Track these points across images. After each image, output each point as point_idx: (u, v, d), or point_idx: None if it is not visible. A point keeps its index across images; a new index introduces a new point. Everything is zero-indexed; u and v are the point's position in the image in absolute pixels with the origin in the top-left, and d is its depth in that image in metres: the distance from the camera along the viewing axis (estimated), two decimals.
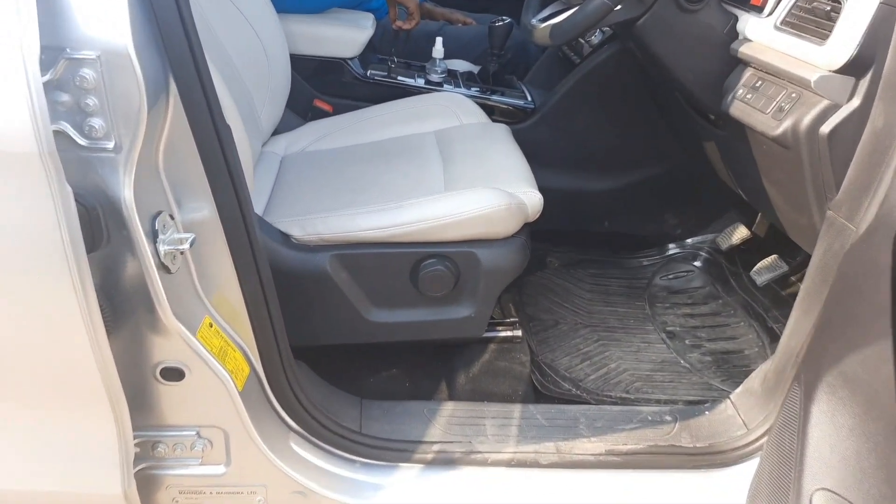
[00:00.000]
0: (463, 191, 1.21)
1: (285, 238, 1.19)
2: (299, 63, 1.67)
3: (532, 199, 1.27)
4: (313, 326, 1.25)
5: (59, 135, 0.76)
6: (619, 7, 1.11)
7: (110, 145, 0.78)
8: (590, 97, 1.72)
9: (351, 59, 1.74)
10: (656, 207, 1.87)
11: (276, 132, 1.61)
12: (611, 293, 1.82)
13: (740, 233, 1.74)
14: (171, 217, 0.89)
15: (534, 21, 1.31)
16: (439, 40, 1.81)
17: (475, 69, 1.94)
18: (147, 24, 0.76)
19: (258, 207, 1.31)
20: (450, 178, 1.32)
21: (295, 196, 1.33)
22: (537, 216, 1.30)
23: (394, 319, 1.25)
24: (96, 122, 0.76)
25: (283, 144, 1.60)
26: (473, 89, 1.82)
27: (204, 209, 0.92)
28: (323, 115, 1.71)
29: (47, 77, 0.73)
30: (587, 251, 1.92)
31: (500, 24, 1.79)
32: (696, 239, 1.89)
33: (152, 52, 0.78)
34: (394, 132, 1.60)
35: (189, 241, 0.88)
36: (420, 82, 1.80)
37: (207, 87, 0.85)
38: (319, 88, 1.73)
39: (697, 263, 1.89)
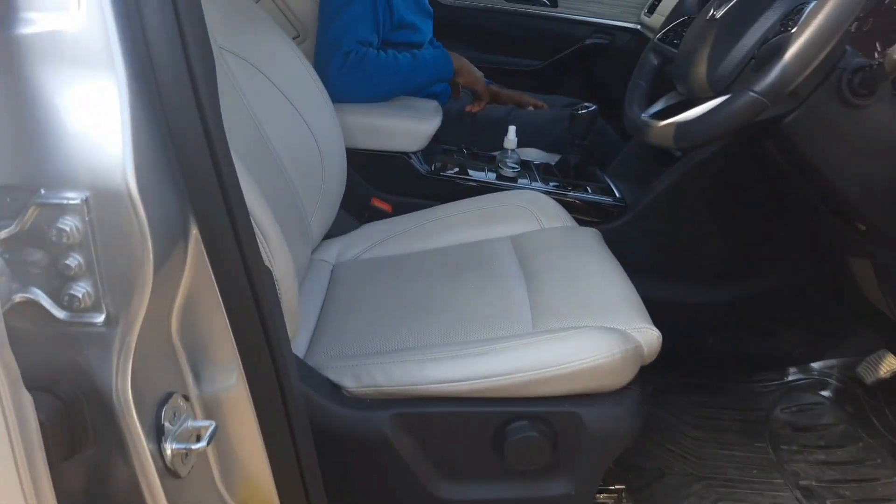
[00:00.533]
0: (564, 334, 0.94)
1: (335, 390, 0.93)
2: (355, 158, 1.47)
3: (649, 339, 0.99)
4: (362, 499, 0.98)
5: (27, 306, 0.53)
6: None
7: (99, 319, 0.54)
8: (694, 195, 1.46)
9: (414, 152, 1.53)
10: (773, 323, 1.56)
11: (328, 235, 1.39)
12: (723, 429, 1.50)
13: (889, 363, 1.41)
14: (186, 398, 0.64)
15: (645, 117, 1.07)
16: (512, 129, 1.59)
17: (552, 159, 1.71)
18: (155, 146, 0.54)
19: (302, 340, 1.07)
20: (538, 306, 1.06)
21: (347, 325, 1.08)
22: (654, 358, 1.01)
23: (470, 496, 0.97)
24: (80, 289, 0.53)
25: (336, 250, 1.37)
26: (552, 184, 1.58)
27: (230, 379, 0.68)
28: (381, 215, 1.49)
29: (11, 229, 0.51)
30: (689, 374, 1.61)
31: (585, 111, 1.57)
32: (824, 363, 1.56)
33: (164, 185, 0.55)
34: (463, 237, 1.35)
35: (209, 433, 0.64)
36: (491, 177, 1.57)
37: (241, 224, 0.62)
38: (378, 185, 1.52)
39: (827, 393, 1.55)
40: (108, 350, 0.56)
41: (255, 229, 0.78)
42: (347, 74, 1.50)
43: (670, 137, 0.96)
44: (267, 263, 0.80)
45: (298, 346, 1.05)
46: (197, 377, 0.66)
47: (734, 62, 0.92)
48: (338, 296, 1.20)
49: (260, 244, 0.79)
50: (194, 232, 0.59)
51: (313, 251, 1.34)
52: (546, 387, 0.91)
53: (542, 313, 1.03)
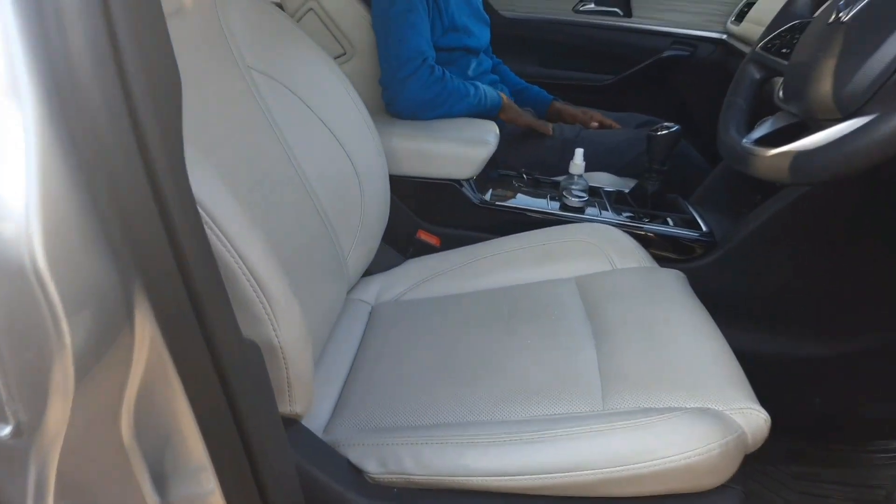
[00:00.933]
0: (647, 420, 0.74)
1: (356, 475, 0.77)
2: (400, 186, 1.31)
3: (755, 424, 0.78)
4: None
5: None
6: None
7: (4, 431, 0.40)
8: (799, 230, 1.22)
9: (466, 179, 1.37)
10: (895, 383, 1.30)
11: (368, 271, 1.24)
12: None
13: None
14: None
15: (748, 143, 0.86)
16: (579, 152, 1.40)
17: (626, 186, 1.50)
18: (77, 195, 0.39)
19: (326, 403, 0.91)
20: (610, 374, 0.86)
21: (377, 387, 0.92)
22: (759, 446, 0.80)
23: None
24: None
25: (376, 289, 1.22)
26: (626, 215, 1.38)
27: (204, 487, 0.53)
28: (428, 249, 1.33)
29: None
30: (790, 439, 1.36)
31: (665, 132, 1.36)
32: None
33: (91, 251, 0.41)
34: (519, 276, 1.17)
35: None
36: (554, 207, 1.38)
37: (207, 293, 0.47)
38: (424, 216, 1.36)
39: None
40: (19, 468, 0.41)
41: (254, 287, 0.63)
42: (430, 88, 1.38)
43: (785, 170, 0.75)
44: (269, 329, 0.65)
45: (321, 411, 0.90)
46: (160, 488, 0.51)
47: (871, 76, 0.71)
48: (372, 346, 1.04)
49: (261, 305, 0.64)
50: (143, 306, 0.44)
51: (350, 290, 1.19)
52: (619, 488, 0.72)
53: (616, 385, 0.84)
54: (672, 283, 1.10)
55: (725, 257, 1.28)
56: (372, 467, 0.76)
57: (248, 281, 0.63)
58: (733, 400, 0.79)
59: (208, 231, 0.61)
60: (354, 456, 0.78)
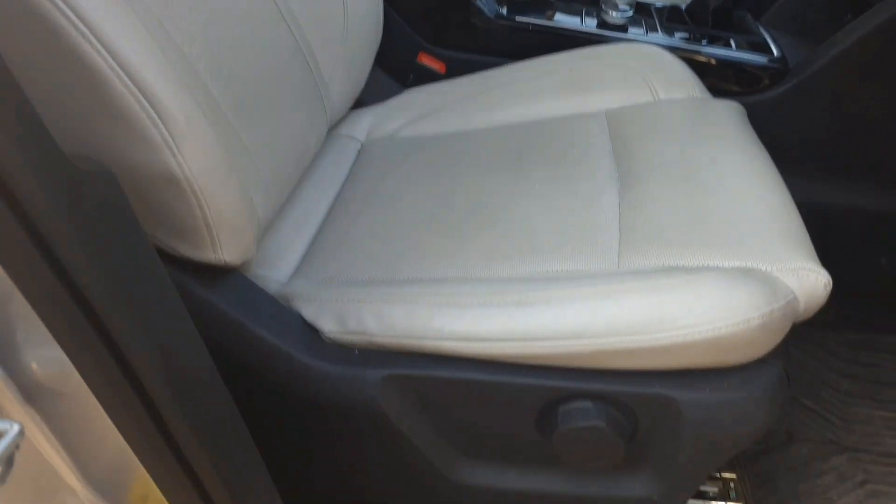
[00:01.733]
0: (669, 281, 0.57)
1: (309, 334, 0.65)
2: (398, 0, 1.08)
3: (811, 287, 0.61)
4: (352, 480, 0.72)
5: None
6: None
7: None
8: (893, 61, 0.96)
9: None
10: None
11: (359, 103, 1.05)
12: (884, 382, 1.10)
13: None
14: None
15: None
16: None
17: (682, 1, 1.22)
18: None
19: (293, 255, 0.78)
20: (631, 227, 0.69)
21: (352, 236, 0.78)
22: (814, 314, 0.64)
23: (498, 484, 0.68)
24: None
25: (368, 124, 1.04)
26: (679, 35, 1.12)
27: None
28: (431, 76, 1.12)
29: None
30: (846, 304, 1.19)
31: None
32: None
33: None
34: (537, 111, 0.97)
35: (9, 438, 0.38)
36: (591, 25, 1.13)
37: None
38: (427, 36, 1.13)
39: None
40: None
41: (136, 98, 0.47)
42: None
43: None
44: (168, 156, 0.50)
45: (286, 263, 0.77)
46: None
47: None
48: (356, 190, 0.89)
49: (150, 123, 0.48)
50: None
51: (335, 125, 1.02)
52: (624, 360, 0.57)
53: (637, 240, 0.66)
54: (727, 116, 0.88)
55: (797, 89, 1.04)
56: (328, 325, 0.64)
57: (126, 88, 0.47)
58: (787, 258, 0.61)
59: (71, 29, 0.44)
60: (309, 312, 0.65)
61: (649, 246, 0.65)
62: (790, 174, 0.79)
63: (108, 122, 0.49)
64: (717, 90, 1.00)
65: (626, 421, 0.60)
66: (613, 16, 1.13)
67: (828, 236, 0.96)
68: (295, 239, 0.81)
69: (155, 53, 0.49)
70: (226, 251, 0.58)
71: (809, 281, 0.61)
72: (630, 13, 1.14)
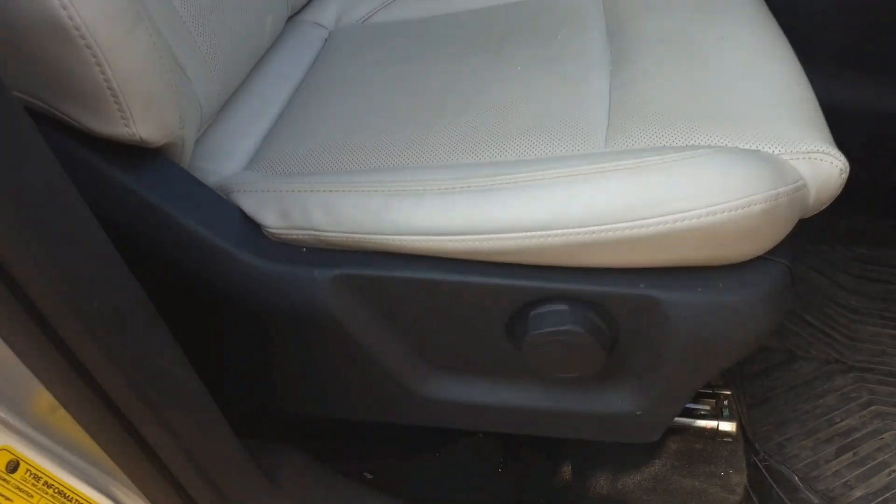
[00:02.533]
0: (658, 160, 0.48)
1: (249, 229, 0.57)
2: None
3: (825, 174, 0.52)
4: (305, 394, 0.66)
5: None
6: None
7: None
8: None
9: None
10: None
11: None
12: (894, 300, 1.03)
13: None
14: None
15: None
16: None
17: None
18: None
19: (245, 146, 0.69)
20: (623, 106, 0.60)
21: (314, 126, 0.69)
22: (825, 207, 0.55)
23: (472, 399, 0.62)
24: None
25: (336, 8, 0.93)
26: None
27: None
28: None
29: None
30: (855, 212, 1.11)
31: None
32: None
33: None
34: None
35: None
36: None
37: None
38: None
39: None
40: None
41: None
42: None
43: None
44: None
45: (237, 157, 0.68)
46: None
47: None
48: (319, 79, 0.79)
49: None
50: None
51: (300, 11, 0.91)
52: (613, 254, 0.49)
53: (626, 121, 0.57)
54: None
55: None
56: (271, 219, 0.56)
57: None
58: (798, 140, 0.52)
59: None
60: (249, 204, 0.57)
61: (641, 125, 0.56)
62: (810, 65, 0.69)
63: None
64: None
65: (605, 326, 0.53)
66: None
67: (843, 139, 0.86)
68: (248, 130, 0.72)
69: None
70: (140, 125, 0.49)
71: (823, 167, 0.52)
72: None
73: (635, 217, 0.47)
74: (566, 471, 0.75)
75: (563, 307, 0.52)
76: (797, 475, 0.80)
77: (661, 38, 0.68)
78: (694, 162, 0.47)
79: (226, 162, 0.67)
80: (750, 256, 0.52)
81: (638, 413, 0.59)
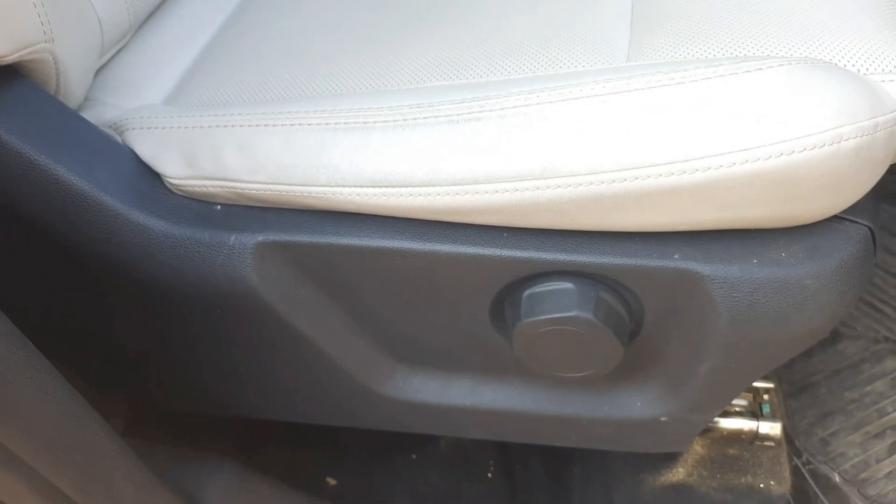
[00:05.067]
0: (710, 75, 0.33)
1: (146, 180, 0.42)
2: None
3: None
4: (228, 393, 0.53)
5: None
6: None
7: None
8: None
9: None
10: None
11: None
12: None
13: None
14: None
15: None
16: None
17: None
18: None
19: (166, 78, 0.54)
20: (650, 15, 0.45)
21: (251, 49, 0.54)
22: None
23: (451, 401, 0.48)
24: None
25: None
26: None
27: None
28: None
29: None
30: None
31: None
32: None
33: None
34: None
35: None
36: None
37: None
38: None
39: None
40: None
41: None
42: None
43: None
44: None
45: (152, 90, 0.53)
46: None
47: None
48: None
49: None
50: None
51: None
52: (634, 212, 0.35)
53: (658, 30, 0.42)
54: None
55: None
56: (172, 166, 0.41)
57: None
58: (891, 53, 0.37)
59: None
60: (145, 147, 0.42)
61: (674, 37, 0.40)
62: None
63: None
64: None
65: (625, 311, 0.39)
66: None
67: None
68: (169, 57, 0.57)
69: None
70: None
71: None
72: None
73: (673, 159, 0.32)
74: (569, 478, 0.62)
75: (567, 285, 0.38)
76: (845, 477, 0.66)
77: None
78: (760, 77, 0.32)
79: (134, 96, 0.52)
80: (824, 216, 0.38)
81: (663, 419, 0.45)
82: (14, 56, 0.38)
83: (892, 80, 0.37)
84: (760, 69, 0.32)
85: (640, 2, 0.47)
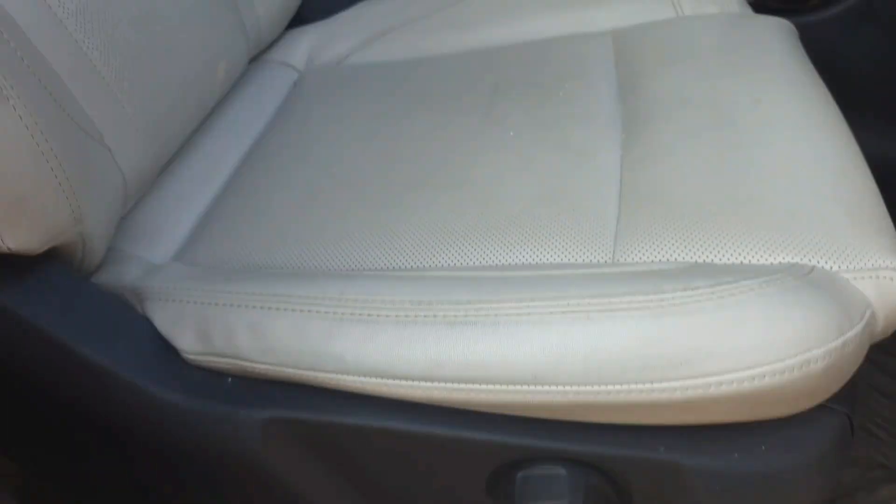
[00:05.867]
0: (695, 295, 0.36)
1: (163, 352, 0.45)
2: None
3: (894, 297, 0.40)
4: None
5: None
6: None
7: None
8: None
9: None
10: None
11: (297, 20, 0.82)
12: None
13: None
14: None
15: None
16: None
17: None
18: None
19: (181, 225, 0.58)
20: (637, 192, 0.48)
21: (265, 202, 0.57)
22: (891, 331, 0.43)
23: None
24: None
25: (308, 45, 0.81)
26: None
27: None
28: None
29: None
30: None
31: None
32: None
33: None
34: (523, 30, 0.74)
35: None
36: None
37: None
38: None
39: None
40: None
41: None
42: None
43: None
44: None
45: (172, 237, 0.57)
46: None
47: None
48: (278, 136, 0.67)
49: None
50: None
51: (267, 49, 0.79)
52: (619, 414, 0.37)
53: (643, 218, 0.45)
54: (774, 40, 0.64)
55: (866, 4, 0.79)
56: (188, 342, 0.44)
57: None
58: (862, 251, 0.40)
59: None
60: (164, 319, 0.45)
61: (659, 224, 0.43)
62: (852, 121, 0.56)
63: None
64: (760, 3, 0.76)
65: (615, 494, 0.41)
66: None
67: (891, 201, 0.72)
68: (186, 203, 0.61)
69: None
70: (8, 235, 0.38)
71: (894, 286, 0.40)
72: None
73: (654, 378, 0.35)
74: None
75: (559, 471, 0.40)
76: None
77: (683, 100, 0.56)
78: (734, 303, 0.35)
79: (154, 245, 0.56)
80: (801, 410, 0.40)
81: None
82: (42, 248, 0.41)
83: (863, 278, 0.40)
84: (734, 295, 0.35)
85: (628, 172, 0.51)
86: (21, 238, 0.39)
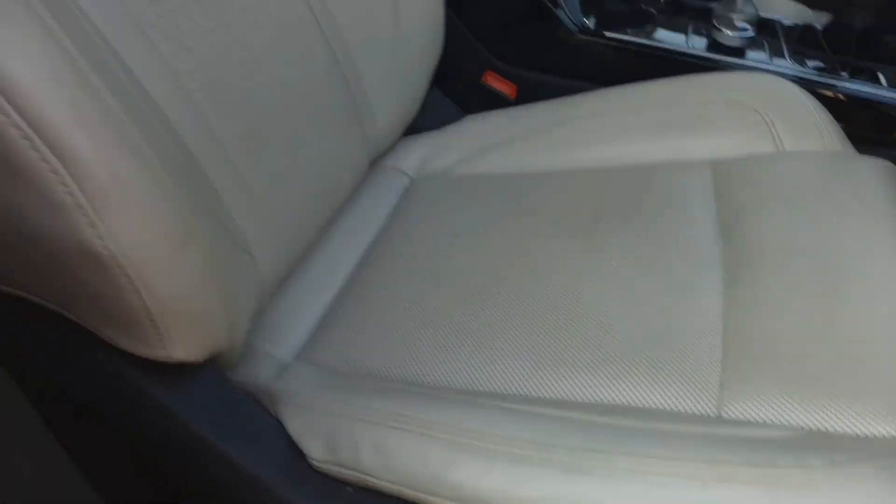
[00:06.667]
0: (807, 469, 0.38)
1: (293, 457, 0.50)
2: (462, 5, 0.91)
3: None
4: None
5: None
6: None
7: None
8: None
9: None
10: None
11: (411, 129, 0.90)
12: None
13: None
14: None
15: None
16: None
17: (817, 20, 0.99)
18: None
19: (301, 324, 0.64)
20: (743, 341, 0.50)
21: (381, 306, 0.63)
22: None
23: None
24: None
25: (420, 154, 0.88)
26: (812, 65, 0.89)
27: None
28: (498, 101, 0.94)
29: None
30: None
31: None
32: None
33: None
34: (623, 153, 0.78)
35: None
36: (699, 45, 0.92)
37: None
38: (496, 50, 0.95)
39: None
40: None
41: (36, 147, 0.33)
42: None
43: None
44: (82, 226, 0.36)
45: (294, 336, 0.63)
46: None
47: None
48: (393, 240, 0.73)
49: (58, 181, 0.35)
50: None
51: (383, 156, 0.87)
52: None
53: (748, 370, 0.47)
54: (878, 181, 0.66)
55: None
56: (316, 450, 0.48)
57: (16, 128, 0.33)
58: None
59: None
60: (296, 426, 0.50)
61: (766, 383, 0.45)
62: None
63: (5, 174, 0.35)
64: (861, 141, 0.78)
65: None
66: (728, 35, 0.92)
67: None
68: (310, 302, 0.67)
69: (64, 73, 0.35)
70: (178, 347, 0.44)
71: None
72: (750, 33, 0.92)
73: None
74: None
75: None
76: None
77: (786, 246, 0.58)
78: (849, 487, 0.36)
79: (280, 342, 0.62)
80: None
81: None
82: (204, 358, 0.47)
83: None
84: (849, 479, 0.37)
85: (732, 316, 0.53)
86: (189, 351, 0.45)
